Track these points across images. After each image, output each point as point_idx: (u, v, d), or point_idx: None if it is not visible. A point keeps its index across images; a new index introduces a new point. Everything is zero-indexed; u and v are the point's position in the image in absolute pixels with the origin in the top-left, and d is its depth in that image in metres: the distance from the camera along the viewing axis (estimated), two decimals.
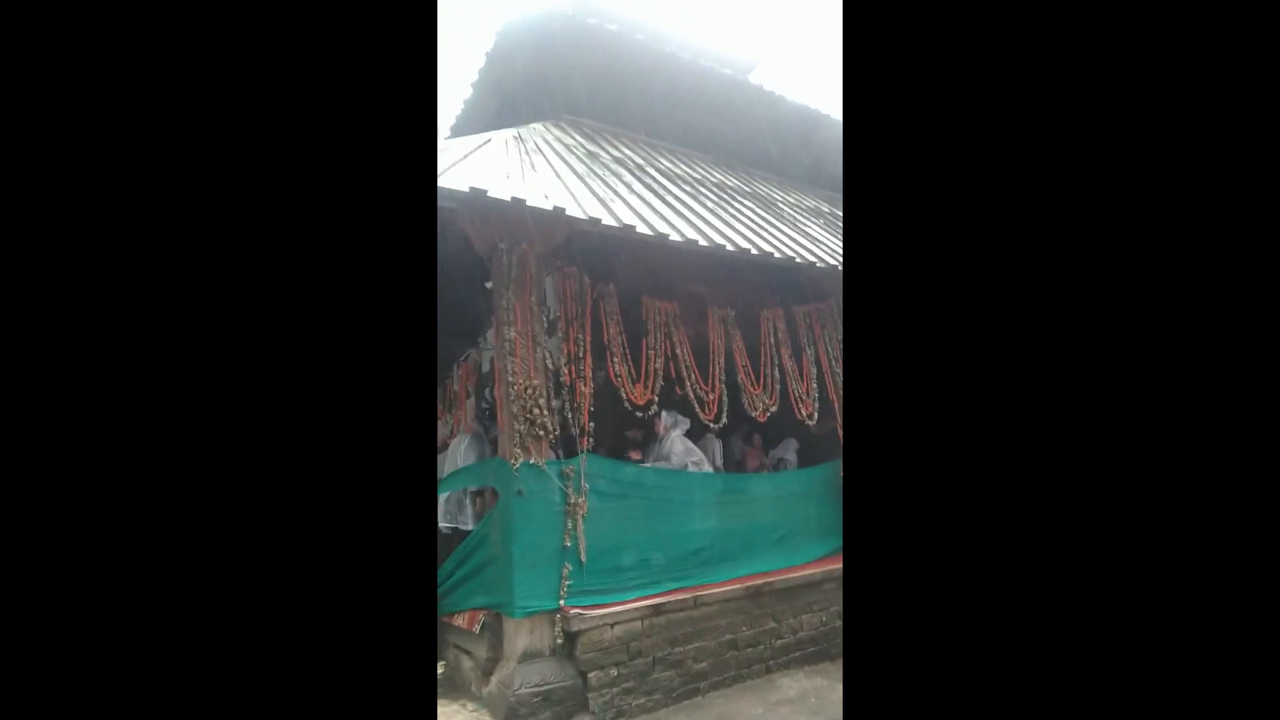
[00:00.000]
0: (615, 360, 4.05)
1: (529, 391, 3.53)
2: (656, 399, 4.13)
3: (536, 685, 3.19)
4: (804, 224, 5.31)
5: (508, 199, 3.16)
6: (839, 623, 4.27)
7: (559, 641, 3.36)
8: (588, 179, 4.13)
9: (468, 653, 3.89)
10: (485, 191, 3.10)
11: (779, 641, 4.02)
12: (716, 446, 5.27)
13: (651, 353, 4.21)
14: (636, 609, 3.57)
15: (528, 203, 3.22)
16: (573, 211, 3.39)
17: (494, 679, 3.35)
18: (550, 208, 3.29)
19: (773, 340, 4.80)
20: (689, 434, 4.61)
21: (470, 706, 3.47)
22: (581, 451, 3.67)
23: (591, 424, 3.87)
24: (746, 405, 4.60)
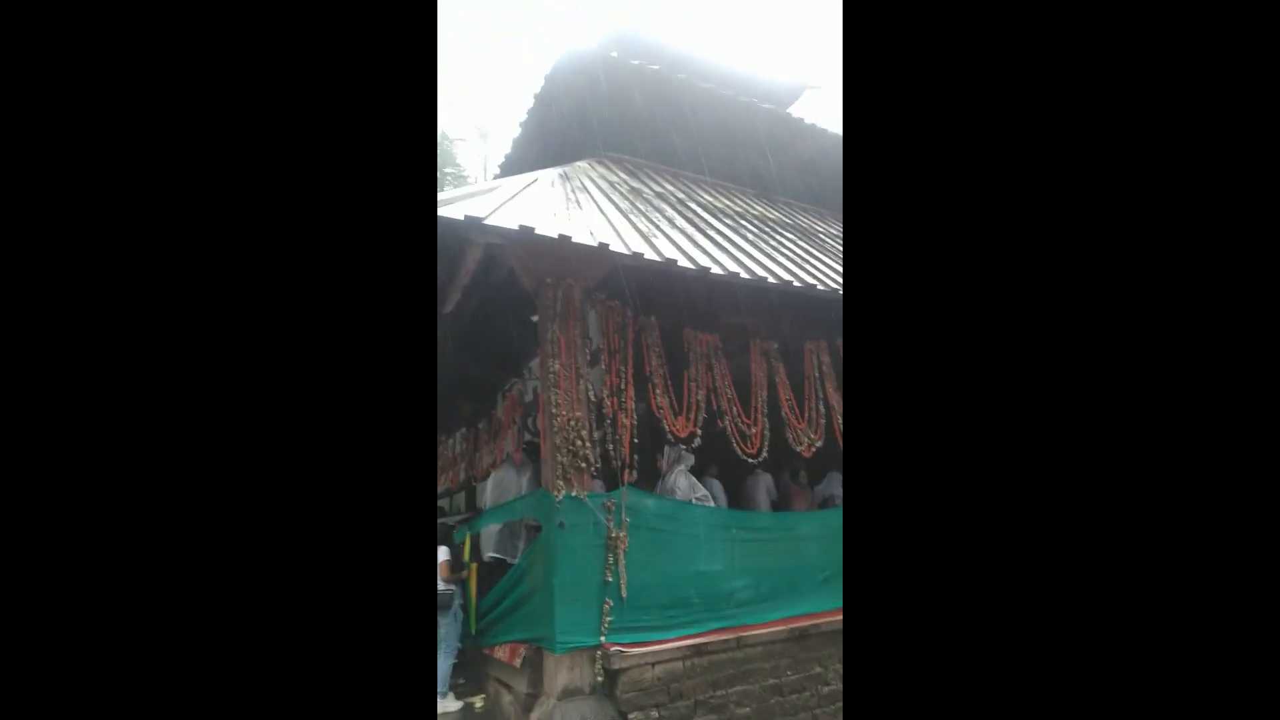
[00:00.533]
0: (657, 392, 4.05)
1: (572, 423, 3.56)
2: (699, 431, 4.10)
3: None
4: None
5: (554, 236, 3.25)
6: None
7: (599, 679, 3.30)
8: (631, 215, 4.22)
9: (508, 686, 3.86)
10: (533, 229, 3.20)
11: (826, 688, 3.84)
12: (765, 483, 5.16)
13: (693, 385, 4.19)
14: (678, 648, 3.49)
15: (573, 239, 3.30)
16: (616, 247, 3.45)
17: (534, 716, 3.31)
18: (595, 244, 3.36)
19: (817, 373, 4.73)
20: (702, 471, 4.51)
21: None
22: (623, 484, 3.66)
23: (634, 456, 3.87)
24: (791, 440, 4.52)
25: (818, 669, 3.86)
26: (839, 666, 3.93)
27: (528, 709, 3.44)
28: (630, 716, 3.25)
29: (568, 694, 3.23)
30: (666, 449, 4.20)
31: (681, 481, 4.39)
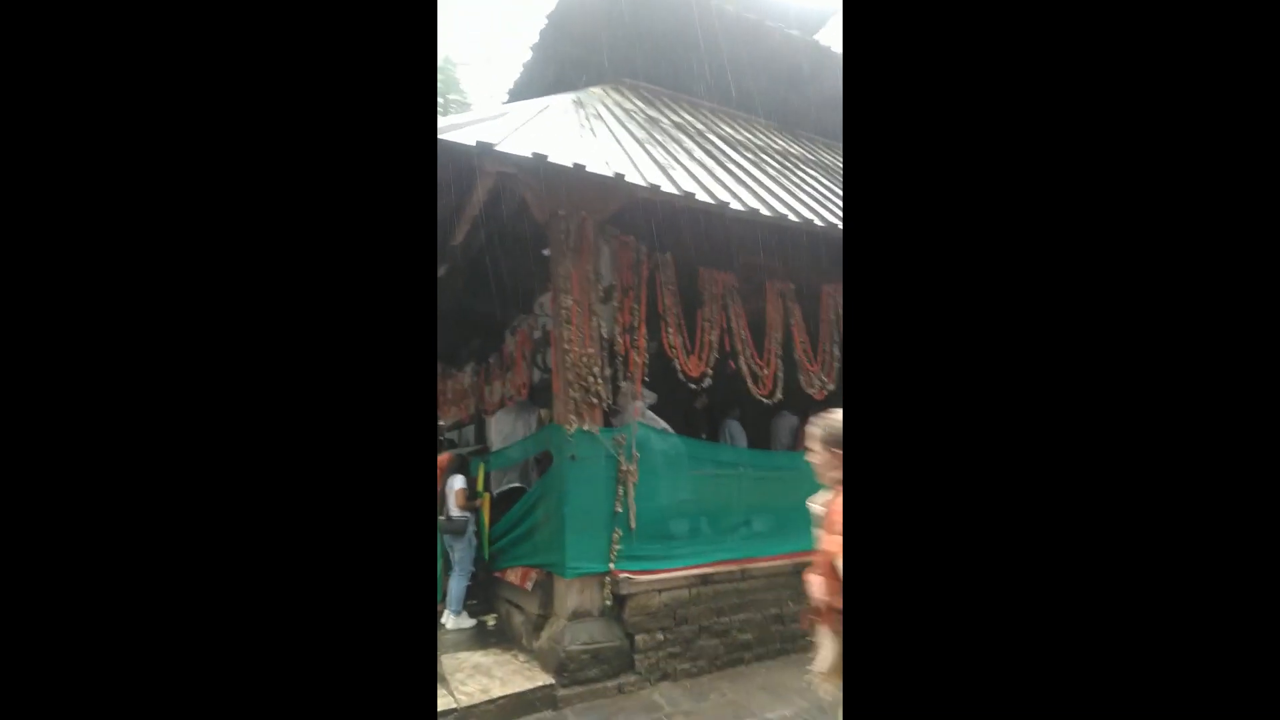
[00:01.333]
0: (670, 331, 4.02)
1: (583, 360, 3.56)
2: (710, 371, 4.10)
3: (585, 643, 3.29)
4: None
5: (568, 165, 3.14)
6: None
7: (608, 604, 3.44)
8: (647, 145, 4.06)
9: (519, 608, 4.04)
10: (546, 157, 3.09)
11: None
12: (789, 424, 5.18)
13: (707, 324, 4.15)
14: (684, 577, 3.62)
15: (587, 169, 3.19)
16: (632, 178, 3.34)
17: (544, 634, 3.47)
18: (610, 174, 3.25)
19: (833, 316, 4.66)
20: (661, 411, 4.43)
21: (521, 658, 3.62)
22: (635, 419, 3.69)
23: (646, 393, 3.88)
24: (804, 382, 4.51)
25: None
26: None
27: (538, 629, 3.61)
28: (637, 638, 3.41)
29: (577, 616, 3.38)
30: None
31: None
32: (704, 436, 5.01)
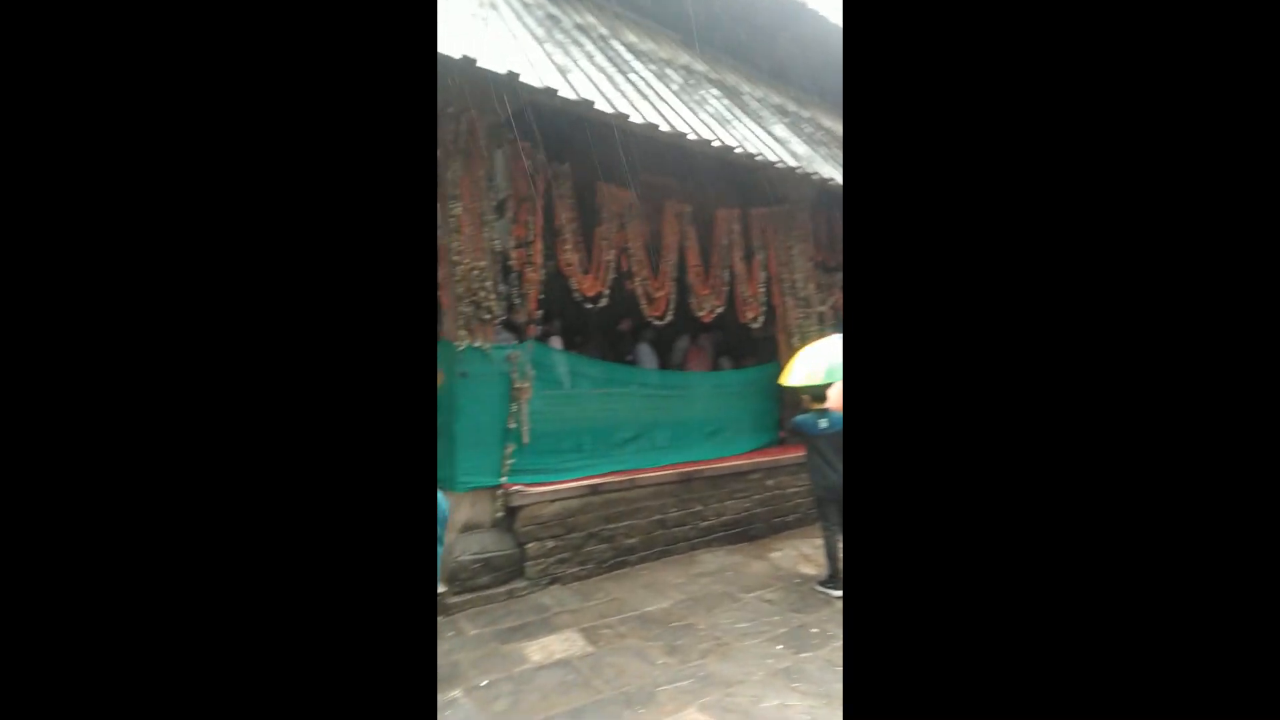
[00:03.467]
0: (566, 248, 3.94)
1: (474, 273, 3.42)
2: (606, 291, 4.10)
3: (476, 553, 3.37)
4: (768, 121, 5.12)
5: (457, 57, 2.87)
6: (760, 509, 4.65)
7: (499, 515, 3.51)
8: (546, 44, 3.79)
9: None
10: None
11: (704, 523, 4.35)
12: (681, 346, 5.35)
13: (604, 243, 4.11)
14: (575, 488, 3.75)
15: (478, 63, 2.94)
16: (527, 78, 3.13)
17: None
18: (504, 72, 3.02)
19: (726, 241, 4.78)
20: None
21: None
22: (527, 339, 3.65)
23: (539, 312, 3.83)
24: (694, 305, 4.64)
25: (698, 507, 4.32)
26: (717, 505, 4.42)
27: None
28: (528, 546, 3.53)
29: (469, 528, 3.43)
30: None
31: None
32: (628, 358, 5.08)
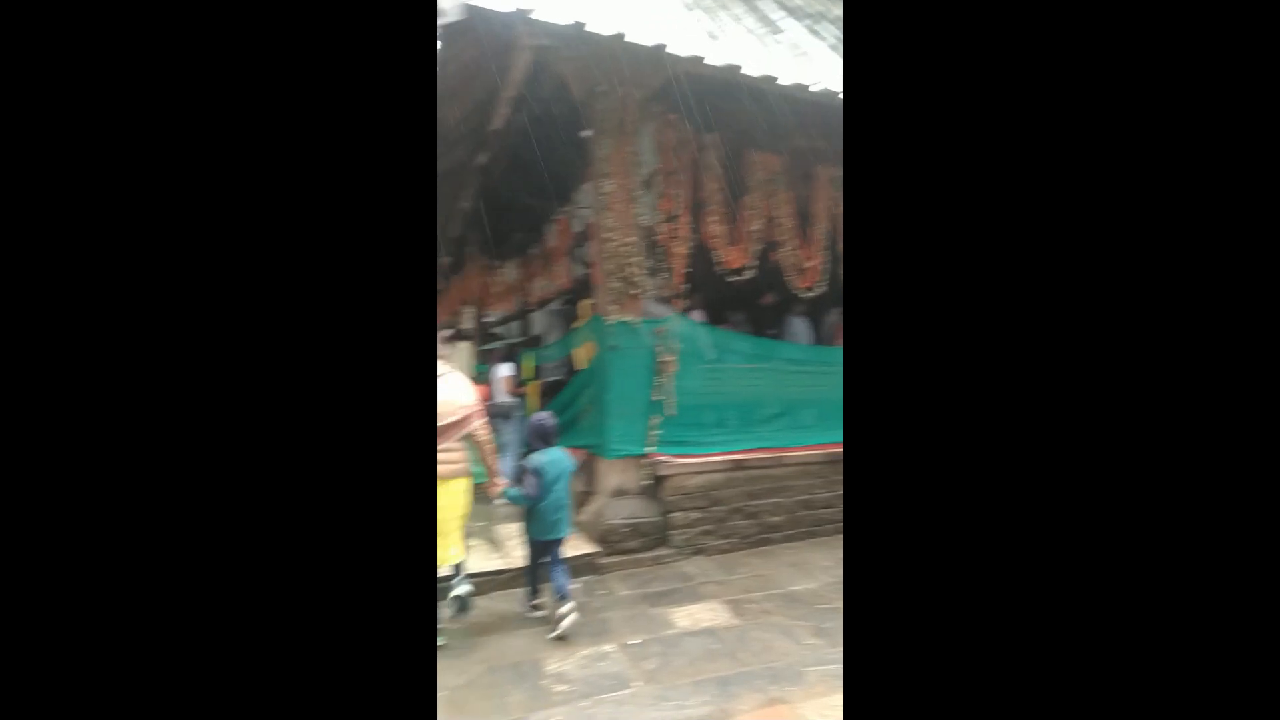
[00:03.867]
0: (712, 220, 3.89)
1: (624, 250, 3.51)
2: (754, 263, 4.00)
3: (625, 518, 3.52)
4: None
5: (607, 34, 2.92)
6: None
7: (646, 483, 3.63)
8: (694, 10, 3.72)
9: None
10: (584, 25, 2.88)
11: None
12: (831, 321, 5.11)
13: (751, 213, 4.00)
14: (719, 462, 3.76)
15: (627, 38, 2.97)
16: (675, 49, 3.10)
17: (588, 509, 3.72)
18: (651, 44, 3.02)
19: None
20: None
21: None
22: (675, 313, 3.69)
23: (685, 286, 3.84)
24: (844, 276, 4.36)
25: None
26: None
27: (581, 504, 3.86)
28: (672, 515, 3.62)
29: (618, 493, 3.59)
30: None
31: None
32: (771, 332, 4.99)
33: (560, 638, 2.60)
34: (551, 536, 2.77)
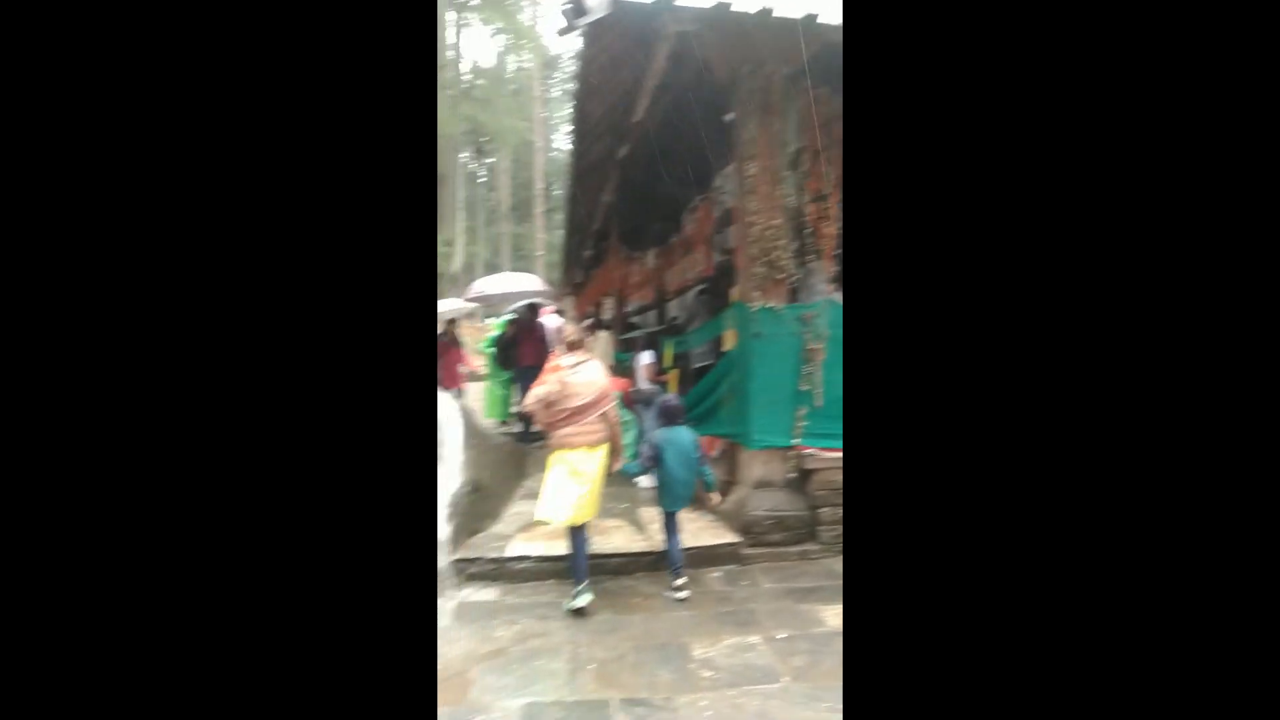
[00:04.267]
0: None
1: (768, 233, 3.40)
2: None
3: (769, 510, 3.44)
4: None
5: (753, 11, 2.82)
6: None
7: (792, 476, 3.51)
8: None
9: None
10: (729, 5, 2.80)
11: None
12: None
13: None
14: None
15: (774, 14, 2.84)
16: (825, 19, 2.91)
17: (730, 499, 3.69)
18: (800, 16, 2.87)
19: None
20: None
21: (708, 517, 3.91)
22: (826, 297, 3.51)
23: (835, 269, 3.64)
24: None
25: None
26: None
27: (723, 494, 3.83)
28: (820, 511, 3.47)
29: (761, 485, 3.51)
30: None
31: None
32: None
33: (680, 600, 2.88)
34: (669, 508, 3.03)
